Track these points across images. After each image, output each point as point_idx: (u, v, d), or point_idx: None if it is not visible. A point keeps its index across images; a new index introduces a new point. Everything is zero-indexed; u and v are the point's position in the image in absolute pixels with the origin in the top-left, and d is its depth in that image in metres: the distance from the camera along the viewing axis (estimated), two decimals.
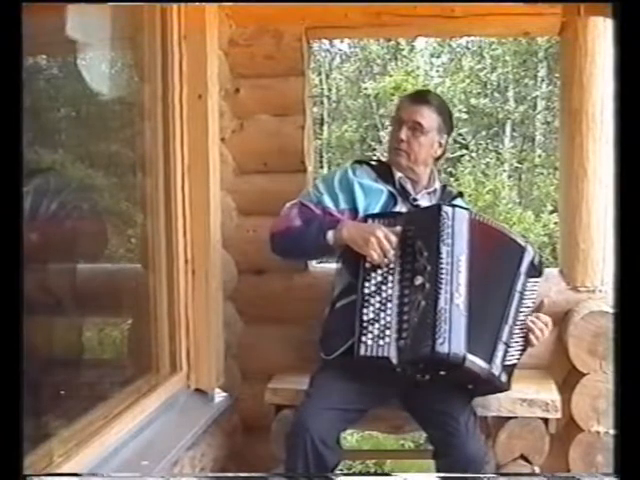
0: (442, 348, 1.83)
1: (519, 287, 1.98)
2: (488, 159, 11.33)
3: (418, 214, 2.06)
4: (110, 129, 2.49)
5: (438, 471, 1.97)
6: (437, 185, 2.23)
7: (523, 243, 2.05)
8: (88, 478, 1.62)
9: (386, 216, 2.06)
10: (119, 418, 1.86)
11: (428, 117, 2.15)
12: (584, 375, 2.30)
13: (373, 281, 1.97)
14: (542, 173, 11.20)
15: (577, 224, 2.44)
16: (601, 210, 2.41)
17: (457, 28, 2.58)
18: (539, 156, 11.58)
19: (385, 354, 1.90)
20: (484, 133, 11.75)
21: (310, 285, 2.31)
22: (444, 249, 1.90)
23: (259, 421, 2.33)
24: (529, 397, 2.16)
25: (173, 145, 2.20)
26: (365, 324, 1.94)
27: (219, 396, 2.31)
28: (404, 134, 2.14)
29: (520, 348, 1.98)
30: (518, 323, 1.97)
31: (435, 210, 1.98)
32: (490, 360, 1.90)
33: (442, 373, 1.92)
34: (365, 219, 2.07)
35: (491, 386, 1.97)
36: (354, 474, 4.66)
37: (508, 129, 11.81)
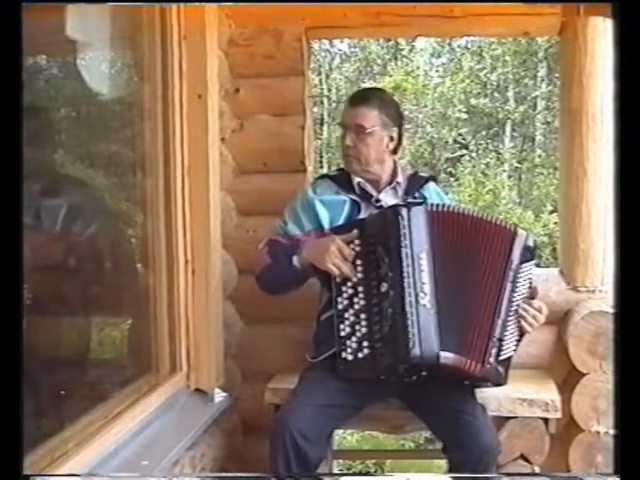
0: (414, 352, 1.84)
1: (511, 277, 1.92)
2: (488, 159, 11.34)
3: (375, 220, 2.01)
4: (110, 129, 2.49)
5: (451, 465, 1.94)
6: (400, 178, 2.21)
7: (512, 227, 1.97)
8: (88, 478, 1.62)
9: (348, 226, 2.05)
10: (119, 418, 1.85)
11: (368, 117, 2.12)
12: (584, 375, 2.30)
13: (345, 295, 1.98)
14: (542, 173, 11.21)
15: (577, 224, 2.44)
16: (601, 210, 2.41)
17: (457, 28, 2.58)
18: (539, 156, 11.59)
19: (365, 366, 1.93)
20: (484, 133, 11.76)
21: (310, 285, 2.30)
22: (403, 251, 1.88)
23: (259, 421, 2.33)
24: (529, 397, 2.16)
25: (173, 145, 2.20)
26: (343, 339, 1.97)
27: (219, 396, 2.31)
28: (349, 139, 2.14)
29: (516, 339, 1.95)
30: (511, 314, 1.93)
31: (389, 213, 1.96)
32: (484, 358, 1.88)
33: (424, 373, 1.94)
34: (331, 233, 2.06)
35: (487, 381, 1.96)
36: (354, 474, 4.67)
37: (508, 129, 11.82)
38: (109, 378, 2.18)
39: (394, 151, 2.21)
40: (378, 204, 2.16)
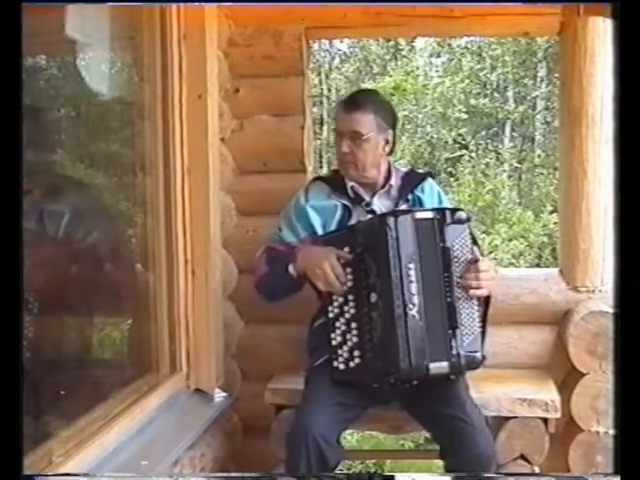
0: (404, 364, 1.84)
1: (442, 262, 1.89)
2: (488, 159, 11.34)
3: (363, 229, 1.98)
4: (110, 129, 2.49)
5: (447, 469, 1.95)
6: (394, 180, 2.19)
7: (431, 215, 1.93)
8: (88, 478, 1.62)
9: (337, 235, 2.04)
10: (119, 418, 1.86)
11: (364, 122, 2.09)
12: (584, 375, 2.29)
13: (336, 303, 1.98)
14: (542, 173, 11.20)
15: (577, 224, 2.44)
16: (601, 210, 2.41)
17: (457, 28, 2.58)
18: (539, 156, 11.59)
19: (357, 375, 1.94)
20: (484, 133, 11.76)
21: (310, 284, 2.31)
22: (391, 262, 1.87)
23: (259, 421, 2.33)
24: (529, 397, 2.16)
25: (173, 145, 2.20)
26: (335, 348, 1.97)
27: (219, 396, 2.31)
28: (345, 146, 2.11)
29: (477, 314, 1.91)
30: (459, 296, 1.89)
31: (376, 223, 1.94)
32: (447, 355, 1.86)
33: (414, 383, 1.93)
34: (322, 241, 2.06)
35: (461, 373, 1.95)
36: (354, 474, 4.66)
37: (508, 129, 11.82)
38: (109, 378, 2.18)
39: (389, 153, 2.20)
40: (368, 208, 2.15)
